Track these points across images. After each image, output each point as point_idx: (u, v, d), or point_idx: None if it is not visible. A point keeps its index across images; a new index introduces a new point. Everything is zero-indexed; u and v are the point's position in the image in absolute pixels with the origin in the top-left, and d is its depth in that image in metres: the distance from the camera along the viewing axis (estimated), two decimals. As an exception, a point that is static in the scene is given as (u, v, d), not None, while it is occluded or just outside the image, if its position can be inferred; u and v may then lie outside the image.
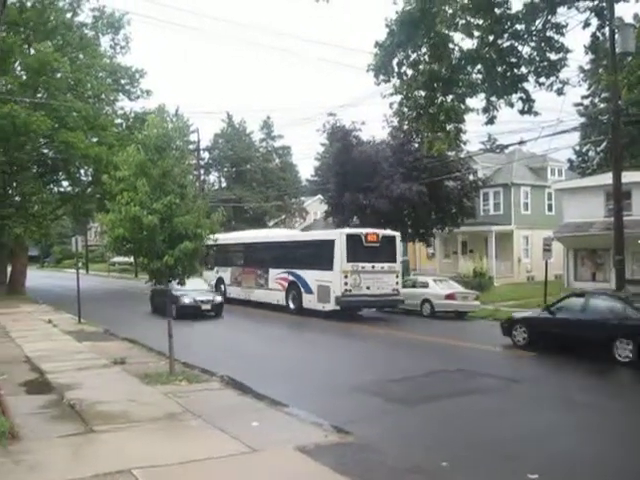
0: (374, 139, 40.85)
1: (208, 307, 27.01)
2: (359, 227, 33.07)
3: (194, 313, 25.97)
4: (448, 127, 19.71)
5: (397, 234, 29.12)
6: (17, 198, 39.29)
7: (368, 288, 26.69)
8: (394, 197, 36.13)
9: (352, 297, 26.41)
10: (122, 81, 42.11)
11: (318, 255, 27.97)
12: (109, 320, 24.47)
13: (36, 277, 54.09)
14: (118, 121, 42.09)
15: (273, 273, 30.83)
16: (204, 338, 21.55)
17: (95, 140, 38.26)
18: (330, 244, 27.10)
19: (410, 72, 18.61)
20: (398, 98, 19.31)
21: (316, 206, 65.63)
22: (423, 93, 18.92)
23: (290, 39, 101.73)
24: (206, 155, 68.74)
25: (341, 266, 26.48)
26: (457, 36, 17.93)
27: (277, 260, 30.77)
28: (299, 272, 28.95)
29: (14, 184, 39.26)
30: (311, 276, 28.11)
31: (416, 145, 37.82)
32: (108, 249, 18.87)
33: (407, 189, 36.09)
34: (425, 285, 29.60)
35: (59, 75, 36.52)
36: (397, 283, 27.73)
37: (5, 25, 31.51)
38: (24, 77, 37.64)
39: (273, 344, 20.53)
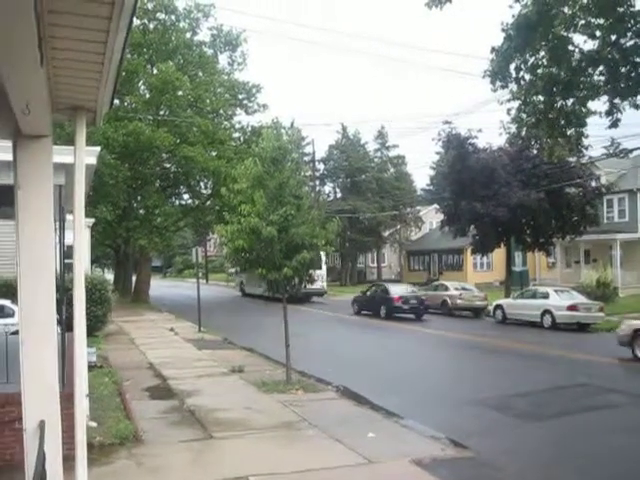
0: (491, 146, 39.93)
1: None
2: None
3: None
4: (569, 132, 19.04)
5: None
6: (141, 211, 41.01)
7: None
8: (512, 205, 35.21)
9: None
10: (239, 96, 43.17)
11: None
12: (228, 329, 25.03)
13: (159, 286, 56.17)
14: (236, 135, 43.21)
15: None
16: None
17: (214, 154, 39.47)
18: None
19: (528, 77, 18.14)
20: (516, 104, 18.84)
21: (432, 215, 64.91)
22: (542, 98, 18.36)
23: (403, 48, 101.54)
24: (321, 166, 69.44)
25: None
26: (577, 37, 17.38)
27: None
28: None
29: (138, 198, 41.02)
30: None
31: (535, 151, 36.74)
32: (228, 260, 19.41)
33: (525, 196, 35.12)
34: (545, 296, 28.64)
35: (180, 93, 37.94)
36: (322, 282, 41.35)
37: (130, 47, 33.05)
38: (147, 96, 39.37)
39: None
